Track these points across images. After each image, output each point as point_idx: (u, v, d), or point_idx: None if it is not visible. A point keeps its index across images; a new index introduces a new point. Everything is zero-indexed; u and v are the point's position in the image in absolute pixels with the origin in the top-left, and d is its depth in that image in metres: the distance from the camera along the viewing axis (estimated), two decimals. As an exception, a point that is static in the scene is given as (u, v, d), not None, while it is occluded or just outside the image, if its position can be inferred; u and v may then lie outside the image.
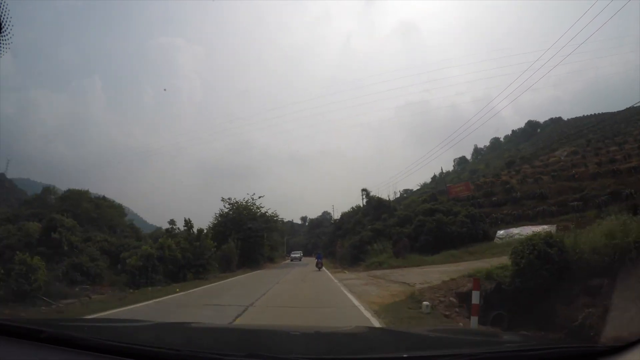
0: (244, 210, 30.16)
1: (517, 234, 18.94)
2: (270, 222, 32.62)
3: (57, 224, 15.71)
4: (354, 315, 6.80)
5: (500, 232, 19.21)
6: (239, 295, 10.63)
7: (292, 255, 47.49)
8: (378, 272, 16.35)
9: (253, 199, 31.08)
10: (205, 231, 20.54)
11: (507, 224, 21.71)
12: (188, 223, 19.88)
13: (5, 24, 1.54)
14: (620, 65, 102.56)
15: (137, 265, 13.69)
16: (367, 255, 22.12)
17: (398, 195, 45.14)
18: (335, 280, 14.65)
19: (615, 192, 20.02)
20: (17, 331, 1.43)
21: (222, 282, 15.84)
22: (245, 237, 27.22)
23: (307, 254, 56.27)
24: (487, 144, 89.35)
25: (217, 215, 30.60)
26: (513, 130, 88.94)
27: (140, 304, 8.79)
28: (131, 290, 11.71)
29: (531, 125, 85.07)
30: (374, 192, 35.00)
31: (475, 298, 5.10)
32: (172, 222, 20.94)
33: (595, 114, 69.89)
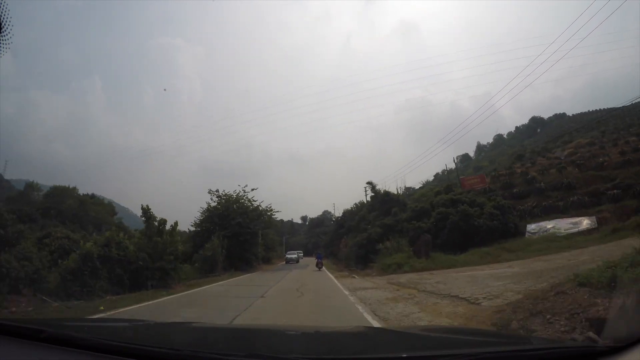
0: (234, 203, 26.02)
1: (551, 227, 16.73)
2: (263, 216, 27.75)
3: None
4: None
5: (532, 226, 16.88)
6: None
7: (288, 256, 38.93)
8: (402, 278, 12.43)
9: (245, 191, 26.73)
10: (173, 224, 15.61)
11: (535, 217, 19.45)
12: (147, 212, 14.54)
13: (5, 24, 1.57)
14: (619, 61, 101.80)
15: (69, 268, 10.22)
16: (379, 255, 19.01)
17: (402, 190, 42.31)
18: (346, 292, 10.54)
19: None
20: (17, 331, 1.43)
21: (185, 293, 11.67)
22: (233, 234, 23.31)
23: (307, 253, 54.01)
24: (490, 140, 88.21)
25: (204, 209, 26.25)
26: (517, 127, 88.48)
27: None
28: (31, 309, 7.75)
29: (535, 121, 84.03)
30: (379, 186, 32.46)
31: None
32: (146, 209, 14.56)
33: (599, 109, 68.55)
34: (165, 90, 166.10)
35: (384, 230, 21.76)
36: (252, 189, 27.04)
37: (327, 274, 19.24)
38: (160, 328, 2.23)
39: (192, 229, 26.64)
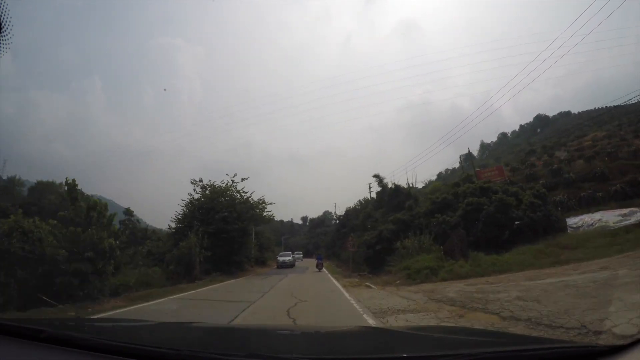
0: (221, 195, 22.21)
1: (598, 220, 14.49)
2: (254, 211, 23.36)
3: None
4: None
5: (575, 220, 14.58)
6: None
7: (280, 259, 30.42)
8: (449, 291, 8.26)
9: (234, 181, 22.76)
10: (112, 213, 11.70)
11: (570, 210, 17.23)
12: (72, 187, 10.80)
13: (5, 24, 1.57)
14: (620, 59, 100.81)
15: None
16: (394, 255, 15.72)
17: (413, 184, 39.56)
18: (370, 321, 6.13)
19: None
20: (17, 331, 1.42)
21: (99, 317, 7.27)
22: (217, 230, 19.74)
23: (307, 254, 51.62)
24: (494, 139, 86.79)
25: (187, 202, 22.16)
26: (521, 125, 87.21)
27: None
28: None
29: (540, 119, 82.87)
30: (387, 180, 29.93)
31: None
32: (72, 184, 10.95)
33: (605, 106, 67.22)
34: (165, 90, 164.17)
35: (398, 227, 19.29)
36: (242, 179, 22.99)
37: (333, 281, 15.61)
38: (161, 328, 2.23)
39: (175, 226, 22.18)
